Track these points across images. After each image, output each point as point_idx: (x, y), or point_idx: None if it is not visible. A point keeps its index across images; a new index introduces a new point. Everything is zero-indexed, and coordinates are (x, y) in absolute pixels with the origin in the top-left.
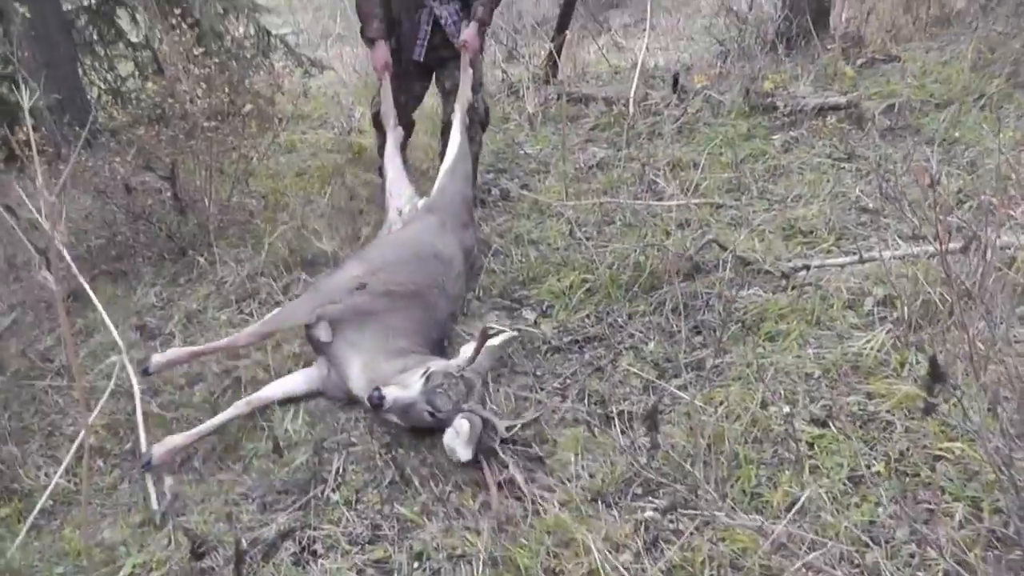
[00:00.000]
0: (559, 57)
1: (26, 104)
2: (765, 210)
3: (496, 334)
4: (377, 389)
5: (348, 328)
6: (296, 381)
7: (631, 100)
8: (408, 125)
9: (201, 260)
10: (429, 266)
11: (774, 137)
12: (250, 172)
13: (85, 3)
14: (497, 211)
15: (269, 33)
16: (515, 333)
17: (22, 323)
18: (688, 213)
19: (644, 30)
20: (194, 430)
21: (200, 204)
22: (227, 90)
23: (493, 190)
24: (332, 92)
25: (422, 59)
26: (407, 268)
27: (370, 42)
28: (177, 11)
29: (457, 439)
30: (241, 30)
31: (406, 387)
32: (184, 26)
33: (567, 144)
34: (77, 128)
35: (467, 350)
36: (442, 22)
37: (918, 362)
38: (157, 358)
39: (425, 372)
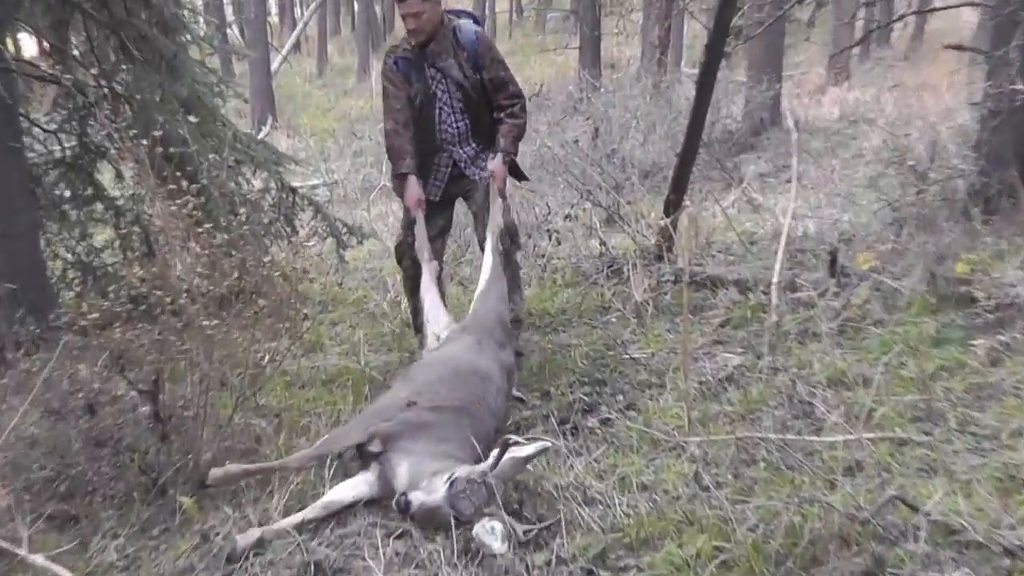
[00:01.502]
0: (675, 225)
1: None
2: (970, 450)
3: (516, 444)
4: (404, 494)
5: (402, 439)
6: (359, 485)
7: (774, 286)
8: (439, 260)
9: (186, 503)
10: (469, 382)
11: (975, 343)
12: (261, 382)
13: (58, 155)
14: (594, 441)
15: (295, 191)
16: (546, 444)
17: None
18: (859, 452)
19: (788, 182)
20: (276, 525)
21: (189, 426)
22: (237, 275)
23: (588, 412)
24: (375, 267)
25: (438, 199)
26: (448, 385)
27: (402, 177)
28: (177, 173)
29: (492, 536)
30: (257, 185)
31: (431, 492)
32: (185, 188)
33: (689, 347)
34: (31, 323)
35: (493, 455)
36: (461, 164)
37: None
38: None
39: (450, 477)
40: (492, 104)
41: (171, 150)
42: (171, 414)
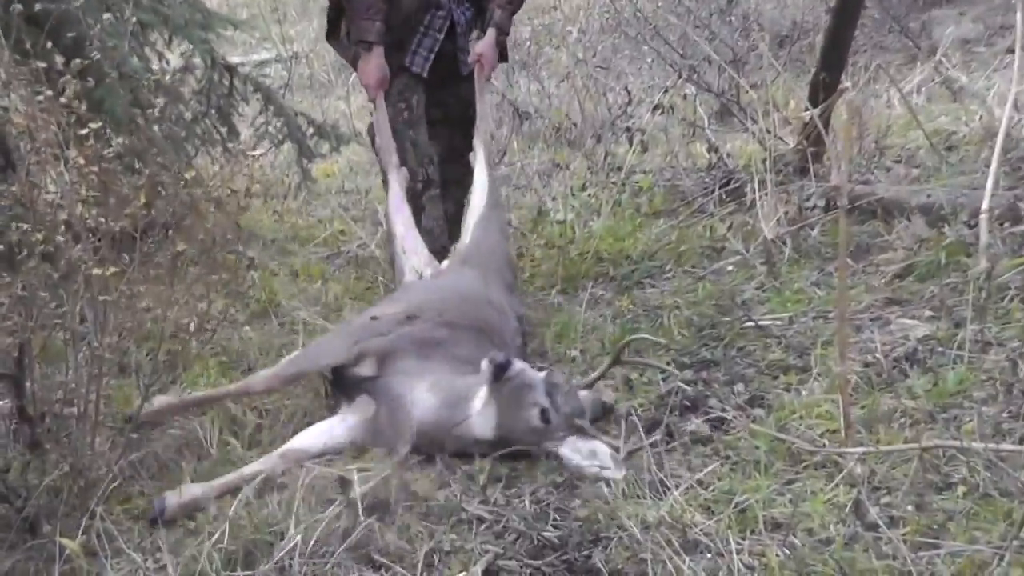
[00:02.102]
0: (827, 121)
1: None
2: None
3: (626, 359)
4: (503, 354)
5: (404, 359)
6: (336, 429)
7: (984, 216)
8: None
9: (69, 545)
10: (484, 311)
11: None
12: (183, 363)
13: None
14: (699, 454)
15: (232, 71)
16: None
17: None
18: None
19: (1009, 53)
20: (218, 481)
21: (73, 430)
22: (143, 201)
23: (691, 410)
24: (357, 188)
25: (425, 73)
26: (457, 307)
27: (365, 47)
28: (50, 43)
29: (592, 458)
30: (174, 62)
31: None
32: (62, 67)
33: (847, 310)
34: None
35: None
36: (459, 30)
37: None
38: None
39: (548, 369)
40: None
41: (38, 6)
42: (44, 411)
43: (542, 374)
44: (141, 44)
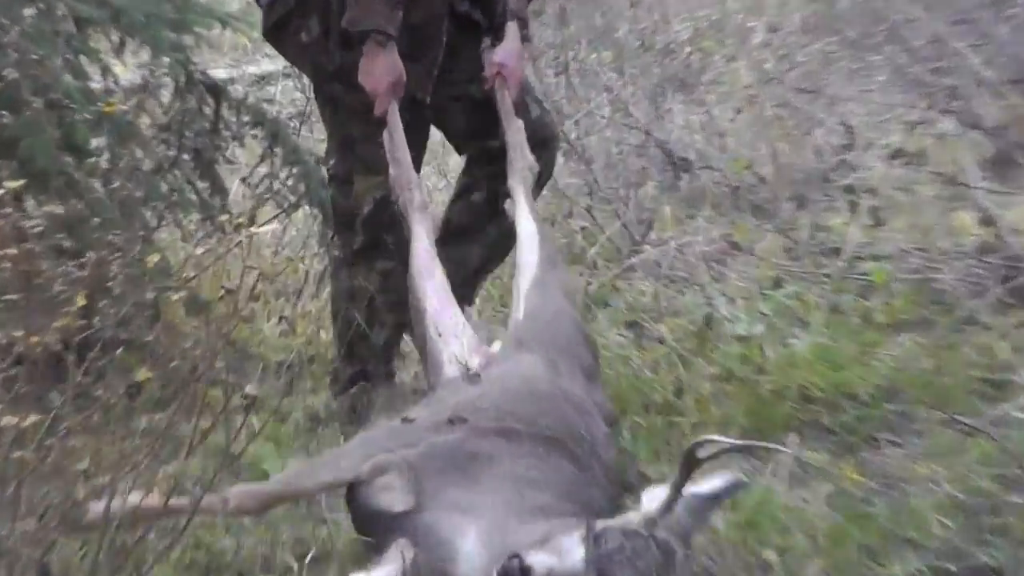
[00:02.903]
0: None
1: None
2: None
3: (711, 455)
4: (516, 556)
5: (448, 486)
6: None
7: None
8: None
9: None
10: (560, 409)
11: None
12: (134, 566)
13: None
14: None
15: (218, 92)
16: (741, 478)
17: None
18: None
19: None
20: None
21: None
22: (82, 302)
23: None
24: None
25: (428, 99)
26: (523, 403)
27: (380, 39)
28: None
29: None
30: (129, 78)
31: (562, 552)
32: None
33: None
34: None
35: (655, 496)
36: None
37: None
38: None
39: (590, 531)
40: None
41: None
42: None
43: (581, 551)
44: (77, 52)
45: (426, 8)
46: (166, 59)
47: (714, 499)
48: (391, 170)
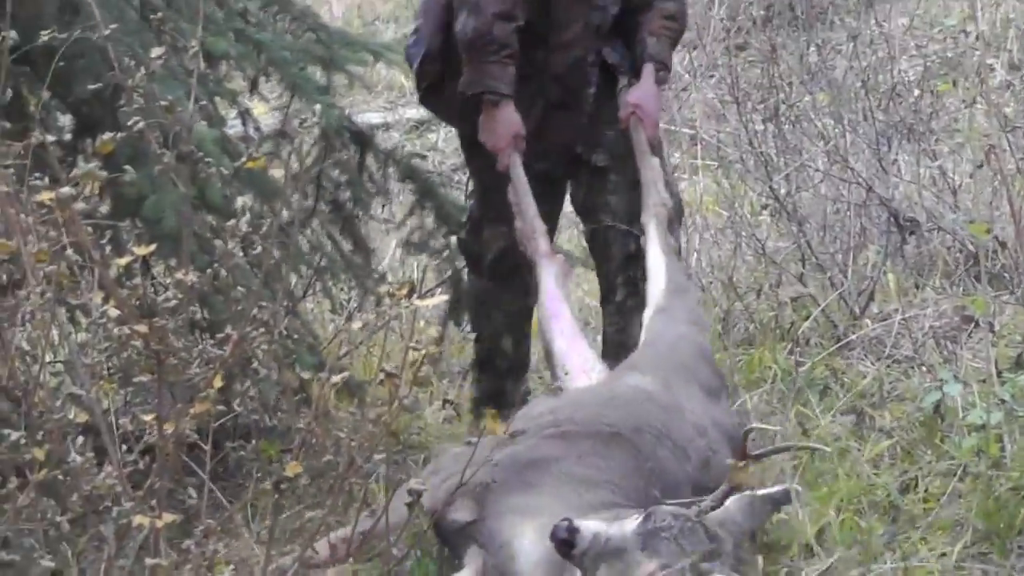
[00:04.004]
0: None
1: None
2: None
3: (763, 453)
4: (567, 520)
5: (508, 492)
6: None
7: None
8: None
9: None
10: (635, 407)
11: None
12: None
13: None
14: None
15: (366, 141)
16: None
17: None
18: None
19: None
20: None
21: None
22: (219, 382)
23: None
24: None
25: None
26: (592, 406)
27: (493, 99)
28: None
29: None
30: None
31: (612, 522)
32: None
33: None
34: None
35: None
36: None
37: None
38: None
39: (644, 512)
40: None
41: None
42: None
43: (635, 522)
44: (212, 95)
45: (564, 56)
46: (316, 104)
47: (769, 503)
48: (516, 221)
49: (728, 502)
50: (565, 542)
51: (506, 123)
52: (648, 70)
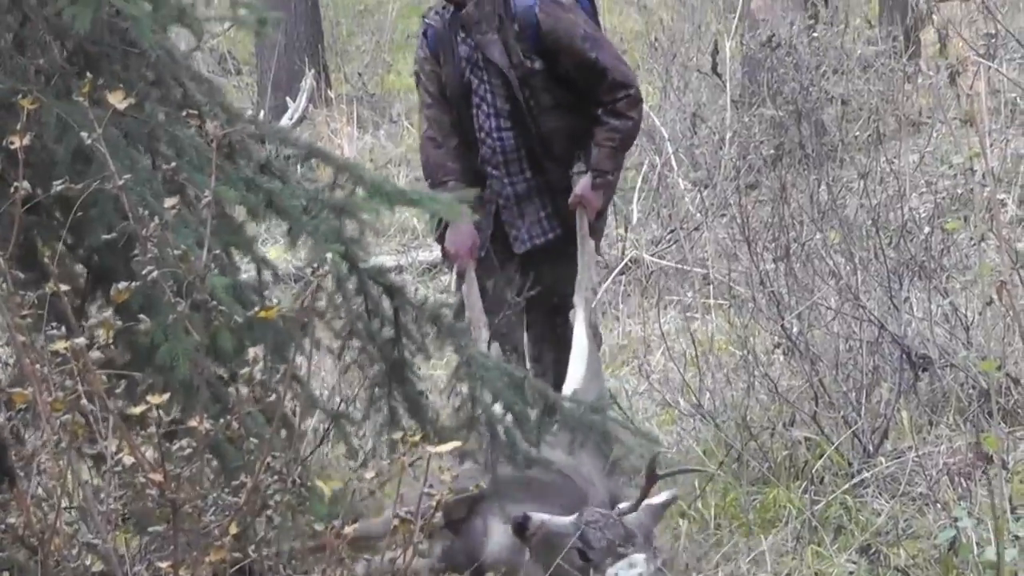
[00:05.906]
0: None
1: None
2: None
3: (665, 475)
4: (524, 514)
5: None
6: None
7: None
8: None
9: None
10: (567, 481)
11: None
12: None
13: None
14: None
15: (389, 289)
16: (675, 494)
17: None
18: None
19: None
20: None
21: None
22: (234, 529)
23: None
24: None
25: (483, 254)
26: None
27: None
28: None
29: (632, 570)
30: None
31: (555, 516)
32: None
33: None
34: None
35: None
36: (502, 205)
37: None
38: None
39: (579, 511)
40: (590, 101)
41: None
42: None
43: (572, 517)
44: (226, 245)
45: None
46: (327, 253)
47: (663, 507)
48: (466, 312)
49: (640, 508)
50: (520, 526)
51: (463, 233)
52: (587, 177)
